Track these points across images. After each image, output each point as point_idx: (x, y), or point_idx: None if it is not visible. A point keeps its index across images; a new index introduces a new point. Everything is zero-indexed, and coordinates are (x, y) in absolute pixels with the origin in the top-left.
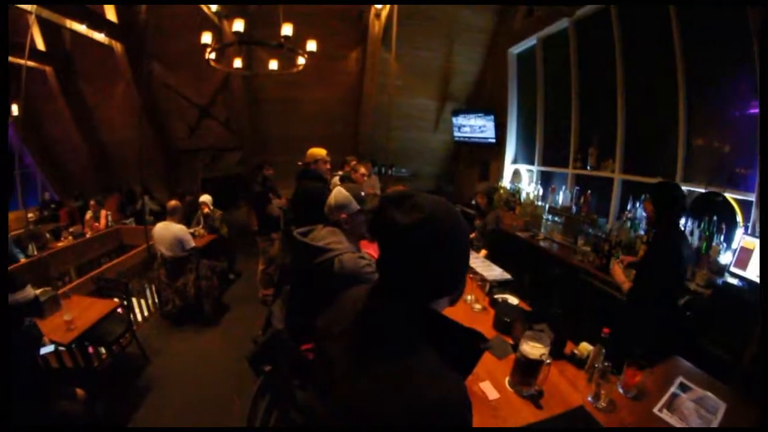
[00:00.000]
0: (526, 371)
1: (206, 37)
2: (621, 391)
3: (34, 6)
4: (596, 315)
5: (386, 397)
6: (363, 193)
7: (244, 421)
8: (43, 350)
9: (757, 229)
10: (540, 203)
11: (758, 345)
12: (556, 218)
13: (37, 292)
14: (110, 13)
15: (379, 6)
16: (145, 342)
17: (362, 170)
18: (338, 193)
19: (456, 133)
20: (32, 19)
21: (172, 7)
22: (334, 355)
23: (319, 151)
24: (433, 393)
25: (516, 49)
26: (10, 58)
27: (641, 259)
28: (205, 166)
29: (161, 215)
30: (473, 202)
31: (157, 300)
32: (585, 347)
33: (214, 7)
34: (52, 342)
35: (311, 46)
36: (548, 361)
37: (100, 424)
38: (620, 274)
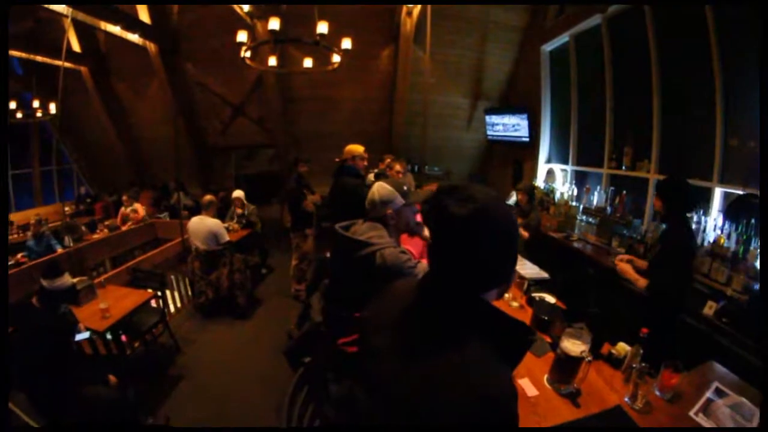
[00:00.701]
0: (565, 368)
1: (242, 36)
2: (657, 393)
3: (70, 9)
4: (633, 316)
5: (438, 389)
6: (406, 188)
7: (273, 411)
8: (79, 336)
9: None
10: (574, 203)
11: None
12: (590, 219)
13: (74, 280)
14: (143, 14)
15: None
16: (177, 332)
17: (398, 167)
18: (381, 188)
19: (489, 132)
20: (68, 22)
21: (204, 8)
22: (382, 347)
23: (357, 148)
24: (485, 385)
25: (548, 47)
26: (48, 60)
27: (656, 255)
28: (238, 163)
29: (195, 210)
30: (512, 200)
31: (190, 292)
32: (622, 347)
33: (246, 8)
34: (87, 329)
35: (346, 44)
36: (589, 358)
37: (131, 409)
38: (632, 272)
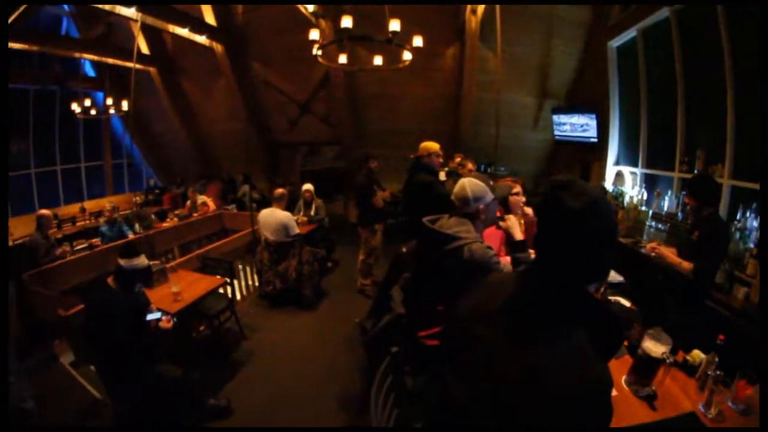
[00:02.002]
0: (644, 370)
1: (314, 34)
2: (730, 404)
3: (139, 14)
4: (706, 324)
5: (546, 376)
6: (492, 183)
7: (332, 400)
8: (150, 316)
9: None
10: (644, 208)
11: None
12: (660, 225)
13: (149, 262)
14: (209, 16)
15: None
16: (242, 319)
17: (469, 166)
18: (474, 185)
19: (556, 132)
20: (137, 26)
21: (268, 9)
22: (484, 336)
23: (433, 145)
24: (591, 374)
25: (615, 43)
26: (120, 62)
27: (698, 241)
28: (303, 159)
29: (262, 203)
30: None
31: (256, 281)
32: (697, 354)
33: (310, 7)
34: (159, 310)
35: (417, 41)
36: (670, 359)
37: (195, 389)
38: (673, 256)
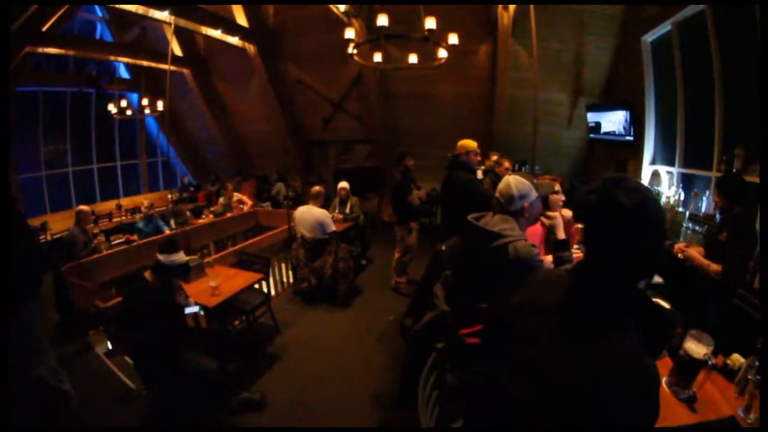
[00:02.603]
0: (686, 371)
1: (349, 33)
2: None
3: (172, 17)
4: (746, 329)
5: (599, 370)
6: (535, 181)
7: (366, 397)
8: (188, 310)
9: None
10: (680, 209)
11: None
12: (697, 227)
13: (187, 258)
14: (240, 17)
15: None
16: (276, 315)
17: (506, 164)
18: (520, 183)
19: (590, 130)
20: (170, 30)
21: (299, 9)
22: (536, 332)
23: (471, 143)
24: (642, 370)
25: (650, 37)
26: (155, 65)
27: (726, 241)
28: (337, 157)
29: (295, 201)
30: None
31: (291, 277)
32: (737, 358)
33: (342, 7)
34: (197, 303)
35: (453, 39)
36: (712, 361)
37: (229, 382)
38: (701, 258)
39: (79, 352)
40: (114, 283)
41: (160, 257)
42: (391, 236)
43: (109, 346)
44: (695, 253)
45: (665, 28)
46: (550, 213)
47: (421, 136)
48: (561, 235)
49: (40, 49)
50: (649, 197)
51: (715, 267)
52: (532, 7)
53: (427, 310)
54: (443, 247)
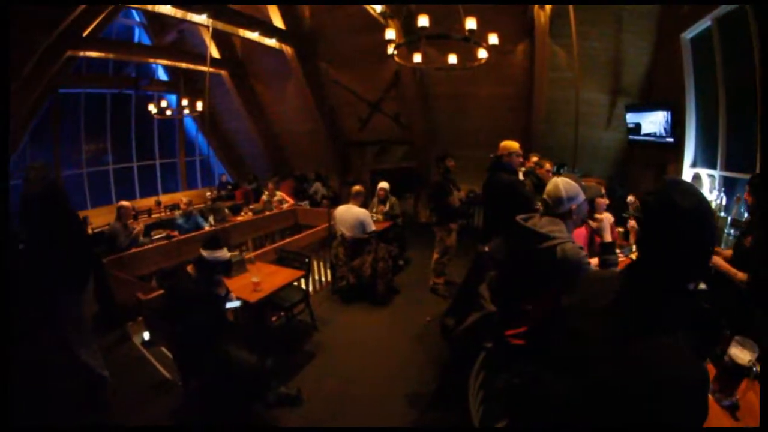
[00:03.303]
0: (730, 378)
1: (389, 34)
2: None
3: (210, 20)
4: None
5: (652, 370)
6: (583, 183)
7: (401, 397)
8: (229, 304)
9: None
10: (722, 214)
11: None
12: (739, 233)
13: (229, 254)
14: (276, 20)
15: None
16: (314, 312)
17: (547, 166)
18: (568, 185)
19: (630, 131)
20: (208, 32)
21: (335, 11)
22: (590, 332)
23: (513, 144)
24: (692, 373)
25: (689, 34)
26: (193, 66)
27: (748, 251)
28: (373, 157)
29: (333, 200)
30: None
31: (329, 276)
32: None
33: (378, 8)
34: (238, 299)
35: (493, 39)
36: (756, 368)
37: (267, 377)
38: (726, 264)
39: (117, 341)
40: (157, 276)
41: (204, 253)
42: (428, 237)
43: (146, 336)
44: (719, 260)
45: (705, 24)
46: (597, 215)
47: (458, 137)
48: (608, 237)
49: (81, 53)
50: (703, 201)
51: (741, 275)
52: (571, 6)
53: (471, 310)
54: (486, 249)
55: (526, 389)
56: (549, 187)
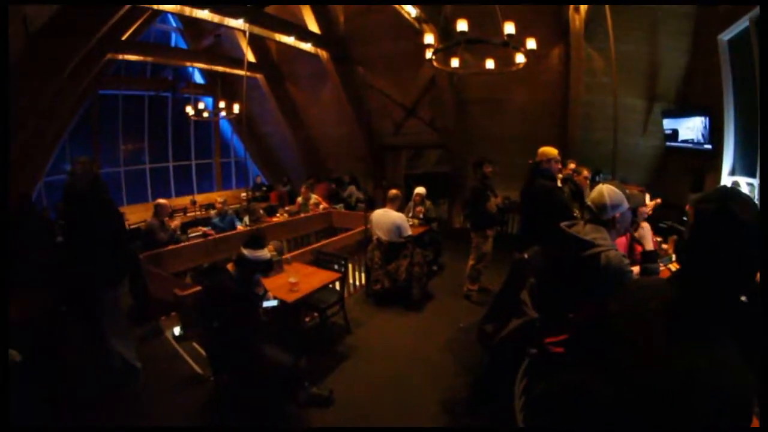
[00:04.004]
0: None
1: (428, 38)
2: None
3: (247, 25)
4: None
5: (697, 381)
6: (627, 191)
7: (436, 402)
8: (266, 303)
9: None
10: None
11: None
12: None
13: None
14: (311, 24)
15: None
16: (348, 314)
17: (585, 173)
18: (613, 192)
19: (666, 138)
20: (245, 37)
21: (369, 15)
22: (638, 338)
23: (552, 151)
24: (740, 381)
25: (726, 35)
26: (229, 70)
27: None
28: (408, 161)
29: (368, 204)
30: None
31: (363, 279)
32: None
33: (413, 12)
34: (275, 298)
35: (531, 44)
36: None
37: (300, 376)
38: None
39: (150, 335)
40: (189, 273)
41: (245, 252)
42: (462, 243)
43: (177, 332)
44: None
45: (743, 25)
46: (643, 224)
47: (493, 142)
48: (650, 246)
49: (120, 56)
50: (757, 212)
51: None
52: (607, 7)
53: (511, 317)
54: (525, 256)
55: (569, 396)
56: (593, 194)
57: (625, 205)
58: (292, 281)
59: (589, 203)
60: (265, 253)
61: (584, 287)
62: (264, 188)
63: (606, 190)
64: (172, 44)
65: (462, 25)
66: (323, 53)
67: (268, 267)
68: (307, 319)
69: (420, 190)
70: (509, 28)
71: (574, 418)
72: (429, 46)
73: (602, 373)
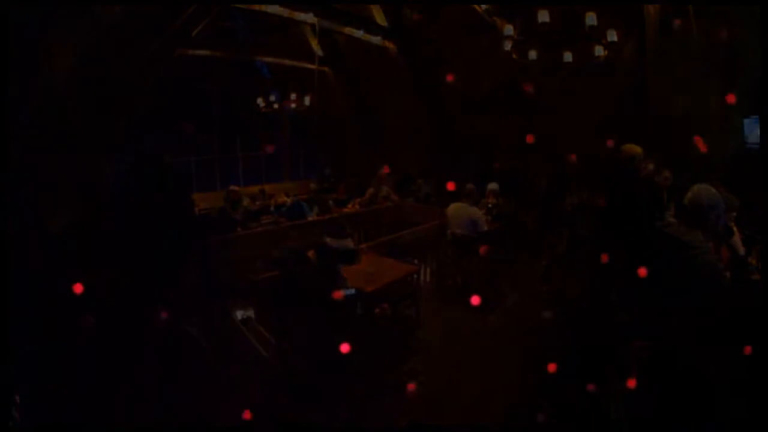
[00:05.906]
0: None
1: (508, 30)
2: None
3: (316, 18)
4: None
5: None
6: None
7: (501, 404)
8: (345, 292)
9: None
10: None
11: None
12: None
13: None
14: (378, 17)
15: None
16: (420, 308)
17: (665, 173)
18: (709, 193)
19: (748, 139)
20: (310, 30)
21: (440, 8)
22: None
23: (636, 149)
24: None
25: None
26: (298, 64)
27: None
28: (479, 157)
29: (439, 198)
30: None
31: (436, 273)
32: None
33: (484, 6)
34: (353, 287)
35: (612, 36)
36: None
37: (374, 366)
38: None
39: (217, 317)
40: (259, 259)
41: (328, 240)
42: (532, 241)
43: (244, 314)
44: None
45: None
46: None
47: (565, 140)
48: (741, 251)
49: (190, 51)
50: None
51: None
52: None
53: (595, 319)
54: (605, 257)
55: None
56: (690, 195)
57: (722, 207)
58: (370, 272)
59: (685, 203)
60: (349, 242)
61: (679, 289)
62: (332, 180)
63: (703, 191)
64: (241, 39)
65: (543, 16)
66: (392, 47)
67: (352, 256)
68: (377, 311)
69: (493, 186)
70: (590, 19)
71: None
72: (509, 38)
73: None
